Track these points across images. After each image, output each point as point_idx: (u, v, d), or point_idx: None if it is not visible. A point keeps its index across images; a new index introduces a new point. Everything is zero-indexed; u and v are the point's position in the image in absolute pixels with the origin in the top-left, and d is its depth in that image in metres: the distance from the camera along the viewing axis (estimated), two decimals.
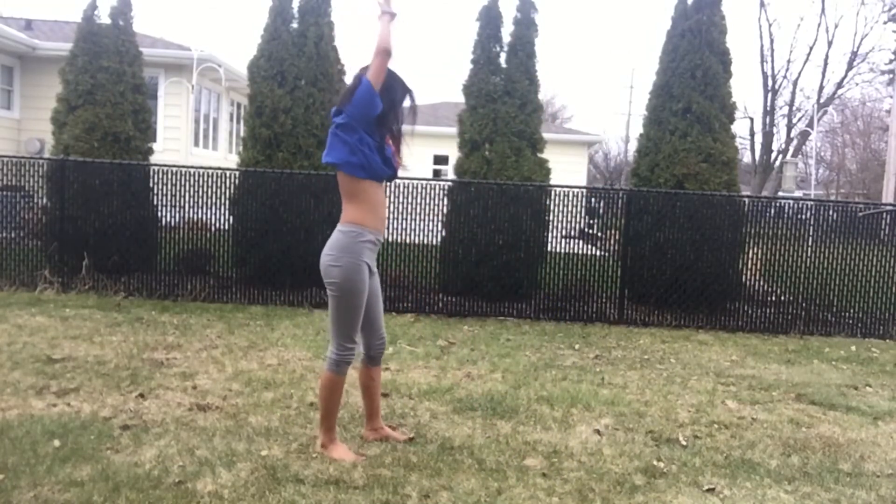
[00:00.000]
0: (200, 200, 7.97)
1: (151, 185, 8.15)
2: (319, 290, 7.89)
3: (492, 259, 7.93)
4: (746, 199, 8.54)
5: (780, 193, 22.69)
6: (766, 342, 7.37)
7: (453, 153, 9.45)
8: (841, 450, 4.11)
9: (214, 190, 7.97)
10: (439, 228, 8.14)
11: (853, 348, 7.22)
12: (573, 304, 7.98)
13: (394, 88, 3.56)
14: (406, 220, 7.95)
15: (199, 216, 8.06)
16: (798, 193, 23.64)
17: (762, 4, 37.63)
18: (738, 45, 45.68)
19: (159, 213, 8.26)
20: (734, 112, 8.74)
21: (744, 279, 8.23)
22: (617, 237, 8.26)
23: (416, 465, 3.53)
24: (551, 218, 8.13)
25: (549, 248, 8.23)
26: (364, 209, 3.52)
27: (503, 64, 8.48)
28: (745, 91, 64.62)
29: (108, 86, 8.43)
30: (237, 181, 8.03)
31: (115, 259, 7.95)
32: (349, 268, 3.46)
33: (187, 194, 7.96)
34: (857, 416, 4.81)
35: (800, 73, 41.20)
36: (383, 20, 3.47)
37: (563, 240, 8.12)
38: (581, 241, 8.53)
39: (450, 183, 8.34)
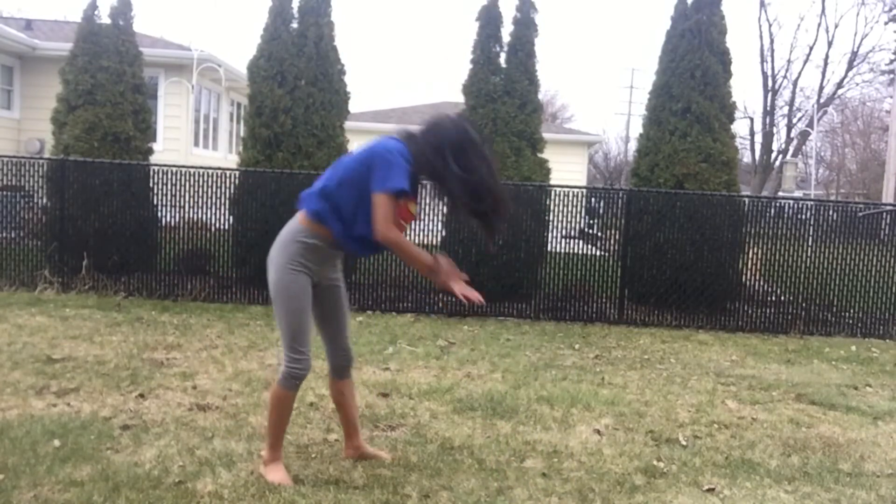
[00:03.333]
0: (200, 200, 7.97)
1: (151, 185, 8.15)
2: None
3: (492, 259, 7.93)
4: (746, 199, 8.54)
5: (780, 193, 22.69)
6: (766, 342, 7.37)
7: None
8: (841, 450, 4.11)
9: (214, 190, 7.97)
10: (439, 228, 8.14)
11: (853, 348, 7.22)
12: (573, 304, 7.98)
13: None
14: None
15: (199, 216, 8.06)
16: (798, 193, 23.62)
17: (762, 4, 37.57)
18: (738, 45, 45.71)
19: (159, 213, 8.26)
20: (734, 112, 8.74)
21: (744, 279, 8.23)
22: (617, 237, 8.26)
23: (416, 465, 3.53)
24: (551, 218, 8.13)
25: (549, 248, 8.23)
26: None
27: (503, 64, 8.48)
28: (745, 91, 64.73)
29: (108, 86, 8.43)
30: (237, 181, 8.03)
31: (115, 259, 7.95)
32: (280, 269, 3.16)
33: (187, 194, 7.96)
34: (857, 416, 4.81)
35: (800, 73, 41.20)
36: (433, 270, 3.05)
37: (563, 240, 8.12)
38: (581, 241, 8.53)
39: None
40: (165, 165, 8.10)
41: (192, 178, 7.95)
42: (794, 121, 35.06)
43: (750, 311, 8.11)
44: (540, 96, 8.79)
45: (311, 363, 3.21)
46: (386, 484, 3.27)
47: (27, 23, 15.38)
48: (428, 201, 8.76)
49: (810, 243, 8.19)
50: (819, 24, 51.50)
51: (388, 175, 3.00)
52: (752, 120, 35.91)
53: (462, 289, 3.03)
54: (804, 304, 8.00)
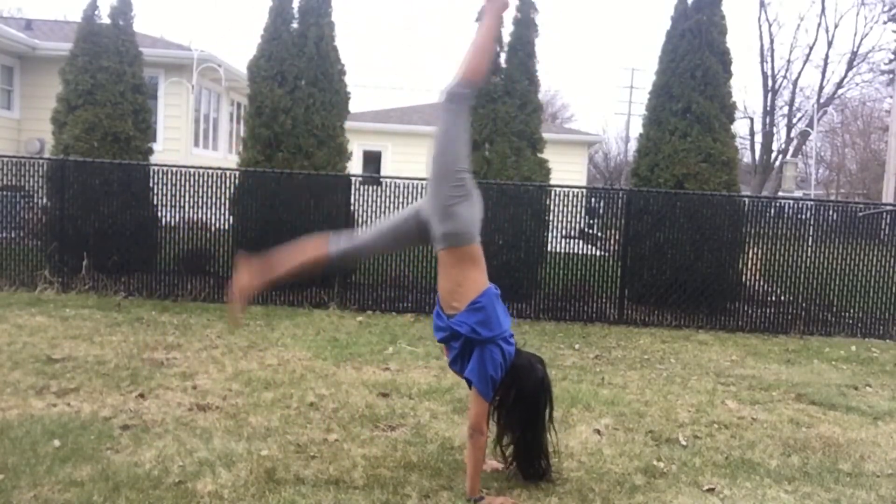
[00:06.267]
0: (200, 200, 7.97)
1: (151, 185, 8.15)
2: (319, 290, 7.91)
3: (492, 259, 7.86)
4: (746, 199, 8.54)
5: (780, 193, 22.69)
6: (766, 342, 7.37)
7: None
8: (841, 450, 4.11)
9: (214, 190, 7.97)
10: None
11: (853, 348, 7.22)
12: (573, 304, 7.98)
13: None
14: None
15: (199, 216, 8.06)
16: (798, 193, 23.62)
17: (762, 4, 37.71)
18: (738, 45, 45.67)
19: (159, 213, 8.26)
20: (734, 112, 8.74)
21: (744, 279, 8.23)
22: (617, 237, 8.26)
23: (416, 465, 3.53)
24: (551, 218, 8.13)
25: (549, 248, 8.23)
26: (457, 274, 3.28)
27: (503, 64, 8.48)
28: (745, 91, 64.70)
29: (108, 86, 8.43)
30: (237, 181, 8.03)
31: (115, 259, 7.95)
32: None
33: (187, 194, 7.96)
34: (857, 416, 4.81)
35: (800, 73, 41.25)
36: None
37: (563, 240, 8.12)
38: (581, 241, 8.52)
39: None
40: (165, 165, 8.11)
41: (192, 178, 7.95)
42: (794, 121, 35.08)
43: (750, 311, 8.11)
44: (540, 96, 8.79)
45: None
46: (386, 484, 3.27)
47: (27, 23, 15.39)
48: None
49: (810, 243, 8.19)
50: (819, 24, 51.45)
51: (487, 384, 3.18)
52: (752, 120, 35.94)
53: None
54: (804, 304, 8.00)
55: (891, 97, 26.22)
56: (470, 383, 3.22)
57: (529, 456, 3.38)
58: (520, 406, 3.30)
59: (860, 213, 8.53)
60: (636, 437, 4.14)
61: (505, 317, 3.30)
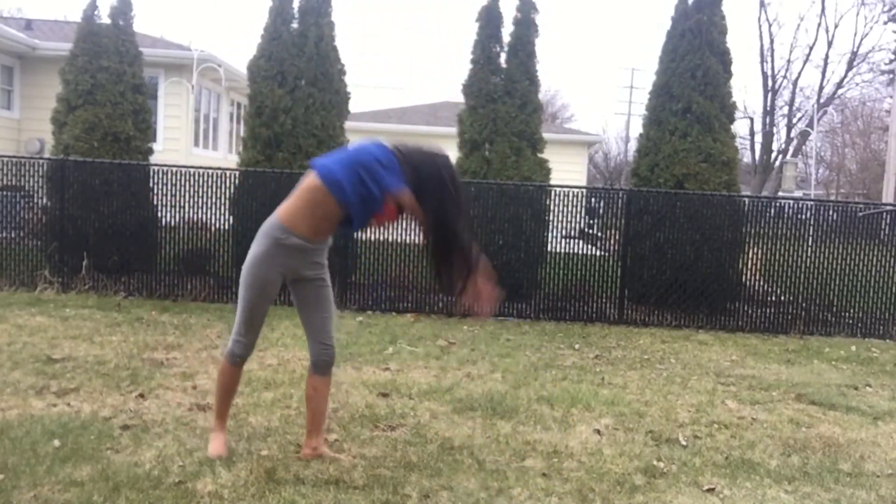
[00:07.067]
0: (200, 200, 7.97)
1: (151, 185, 8.15)
2: None
3: (492, 259, 7.85)
4: (746, 199, 8.54)
5: (780, 193, 22.68)
6: (766, 342, 7.37)
7: (453, 153, 9.44)
8: (841, 450, 4.11)
9: (214, 190, 7.97)
10: None
11: (853, 348, 7.22)
12: (573, 304, 7.98)
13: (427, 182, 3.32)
14: (406, 220, 7.95)
15: (199, 216, 8.06)
16: (798, 193, 23.61)
17: (762, 4, 37.71)
18: (738, 45, 45.64)
19: (159, 213, 8.25)
20: (734, 112, 8.75)
21: (744, 279, 8.23)
22: (617, 237, 8.26)
23: (416, 465, 3.53)
24: (551, 218, 8.13)
25: (549, 248, 8.23)
26: (307, 216, 3.36)
27: (503, 64, 8.49)
28: (745, 91, 64.69)
29: (108, 86, 8.43)
30: (237, 181, 8.03)
31: (115, 259, 7.95)
32: (255, 259, 3.46)
33: (187, 194, 7.96)
34: (857, 416, 4.81)
35: (800, 73, 41.19)
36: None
37: (563, 240, 8.12)
38: (581, 241, 8.53)
39: None
40: (165, 165, 8.11)
41: (192, 178, 7.95)
42: (794, 121, 35.10)
43: (750, 311, 8.11)
44: (540, 96, 8.80)
45: (250, 349, 3.51)
46: (386, 484, 3.27)
47: (27, 23, 15.38)
48: None
49: (810, 243, 8.19)
50: (819, 24, 51.49)
51: (381, 176, 3.29)
52: (752, 120, 35.96)
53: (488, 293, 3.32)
54: (804, 304, 8.00)
55: (891, 97, 26.23)
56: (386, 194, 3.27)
57: (442, 253, 3.50)
58: (427, 192, 3.35)
59: (860, 213, 8.53)
60: (636, 437, 4.14)
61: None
